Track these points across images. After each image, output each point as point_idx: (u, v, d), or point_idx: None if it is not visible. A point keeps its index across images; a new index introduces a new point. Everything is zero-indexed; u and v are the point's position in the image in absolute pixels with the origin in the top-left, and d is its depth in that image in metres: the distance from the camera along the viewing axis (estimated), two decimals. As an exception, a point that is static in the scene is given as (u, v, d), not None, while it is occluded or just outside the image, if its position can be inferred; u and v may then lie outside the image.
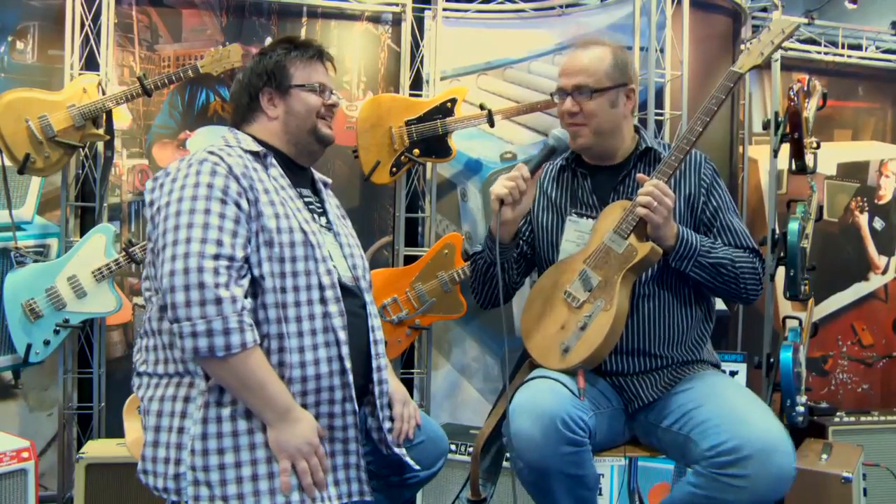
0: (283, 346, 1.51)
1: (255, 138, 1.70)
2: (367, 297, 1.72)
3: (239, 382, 1.46)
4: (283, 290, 1.52)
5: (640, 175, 1.77)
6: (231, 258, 1.45)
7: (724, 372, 1.94)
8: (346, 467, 1.60)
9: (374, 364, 1.66)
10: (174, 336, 1.45)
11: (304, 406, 1.53)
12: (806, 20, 3.47)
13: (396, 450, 1.69)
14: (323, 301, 1.56)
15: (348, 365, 1.57)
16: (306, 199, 1.72)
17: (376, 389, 1.66)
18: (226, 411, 1.48)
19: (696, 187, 1.87)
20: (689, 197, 1.87)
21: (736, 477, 1.52)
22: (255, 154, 1.63)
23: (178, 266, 1.41)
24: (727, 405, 1.64)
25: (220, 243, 1.44)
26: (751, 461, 1.51)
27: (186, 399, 1.50)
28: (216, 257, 1.43)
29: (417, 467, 1.72)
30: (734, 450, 1.53)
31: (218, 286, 1.41)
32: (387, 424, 1.69)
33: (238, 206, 1.50)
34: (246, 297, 1.48)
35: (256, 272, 1.51)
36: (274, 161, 1.66)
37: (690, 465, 1.64)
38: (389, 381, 1.73)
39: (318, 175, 1.85)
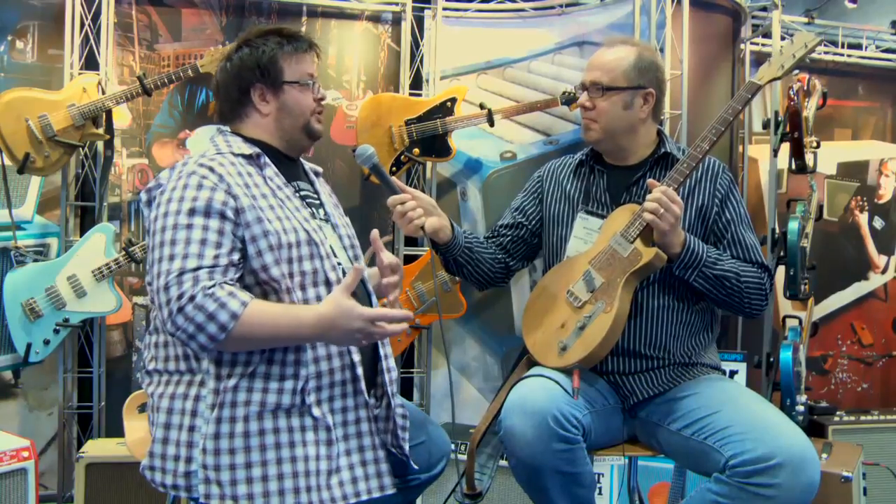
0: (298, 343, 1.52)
1: (245, 138, 1.68)
2: (370, 287, 1.72)
3: (257, 342, 1.48)
4: (291, 289, 1.53)
5: (650, 180, 1.76)
6: (213, 267, 1.47)
7: (725, 374, 1.93)
8: (364, 464, 1.58)
9: (382, 352, 1.67)
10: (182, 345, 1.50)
11: (319, 402, 1.54)
12: (807, 19, 3.48)
13: (403, 443, 1.67)
14: None
15: (357, 358, 1.58)
16: (303, 193, 1.72)
17: (385, 378, 1.66)
18: (239, 412, 1.48)
19: (710, 197, 1.86)
20: (702, 207, 1.86)
21: (765, 486, 1.51)
22: (247, 157, 1.62)
23: (162, 282, 1.46)
24: (746, 412, 1.63)
25: (201, 256, 1.47)
26: (782, 470, 1.50)
27: (197, 398, 1.51)
28: (196, 269, 1.46)
29: (416, 466, 1.71)
30: (763, 458, 1.52)
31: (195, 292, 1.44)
32: (399, 411, 1.66)
33: (223, 216, 1.50)
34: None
35: (265, 276, 1.52)
36: (268, 161, 1.65)
37: (709, 473, 1.62)
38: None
39: (308, 165, 1.84)
